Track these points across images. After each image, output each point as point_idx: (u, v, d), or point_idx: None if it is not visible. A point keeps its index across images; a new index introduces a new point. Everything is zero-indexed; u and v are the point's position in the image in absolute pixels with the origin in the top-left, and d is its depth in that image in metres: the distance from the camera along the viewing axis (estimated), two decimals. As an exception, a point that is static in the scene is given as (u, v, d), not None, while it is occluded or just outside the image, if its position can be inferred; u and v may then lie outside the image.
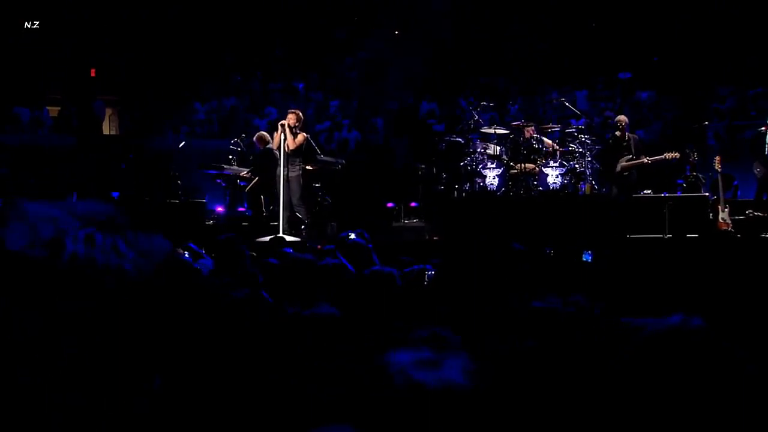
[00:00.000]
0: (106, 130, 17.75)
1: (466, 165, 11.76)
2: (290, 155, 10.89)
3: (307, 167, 11.38)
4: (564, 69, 16.82)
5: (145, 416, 1.02)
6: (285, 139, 10.82)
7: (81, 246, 1.03)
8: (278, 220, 10.80)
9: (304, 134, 11.09)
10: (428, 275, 4.38)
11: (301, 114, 11.15)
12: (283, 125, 10.87)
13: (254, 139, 12.20)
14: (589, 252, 6.40)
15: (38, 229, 1.02)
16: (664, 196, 10.69)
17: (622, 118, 11.89)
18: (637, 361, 1.80)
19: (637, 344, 1.86)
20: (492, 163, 11.67)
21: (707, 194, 10.83)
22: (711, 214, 10.69)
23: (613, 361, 1.79)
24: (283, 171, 10.83)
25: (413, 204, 13.07)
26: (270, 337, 2.68)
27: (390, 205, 13.06)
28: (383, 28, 17.32)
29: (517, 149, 11.78)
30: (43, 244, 1.01)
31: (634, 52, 16.51)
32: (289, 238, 9.62)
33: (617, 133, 11.70)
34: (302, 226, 11.21)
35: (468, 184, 11.69)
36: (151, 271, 1.08)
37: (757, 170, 11.40)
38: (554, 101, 13.86)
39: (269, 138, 11.75)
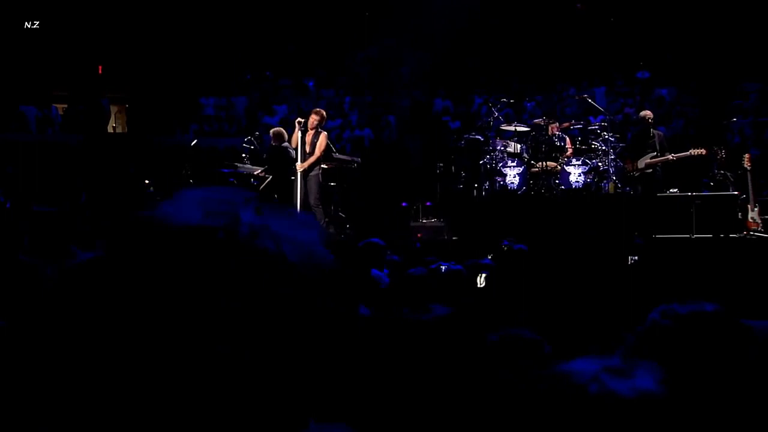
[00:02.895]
0: (112, 128, 17.50)
1: (485, 163, 11.46)
2: (309, 154, 10.55)
3: (323, 165, 11.09)
4: (582, 65, 16.52)
5: None
6: (302, 138, 10.50)
7: (253, 216, 0.92)
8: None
9: (325, 133, 10.75)
10: (484, 276, 4.12)
11: (324, 114, 10.80)
12: (300, 122, 10.54)
13: (271, 133, 11.77)
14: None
15: (207, 203, 0.92)
16: (692, 195, 10.40)
17: (648, 113, 11.58)
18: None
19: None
20: (512, 162, 11.36)
21: (736, 192, 10.54)
22: (740, 214, 10.42)
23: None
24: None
25: (428, 203, 12.80)
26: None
27: (405, 204, 12.79)
28: (394, 25, 17.04)
29: (538, 147, 11.49)
30: (218, 214, 0.91)
31: (654, 47, 16.21)
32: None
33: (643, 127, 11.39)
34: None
35: (488, 183, 11.39)
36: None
37: None
38: (576, 97, 13.56)
39: (286, 135, 11.36)
